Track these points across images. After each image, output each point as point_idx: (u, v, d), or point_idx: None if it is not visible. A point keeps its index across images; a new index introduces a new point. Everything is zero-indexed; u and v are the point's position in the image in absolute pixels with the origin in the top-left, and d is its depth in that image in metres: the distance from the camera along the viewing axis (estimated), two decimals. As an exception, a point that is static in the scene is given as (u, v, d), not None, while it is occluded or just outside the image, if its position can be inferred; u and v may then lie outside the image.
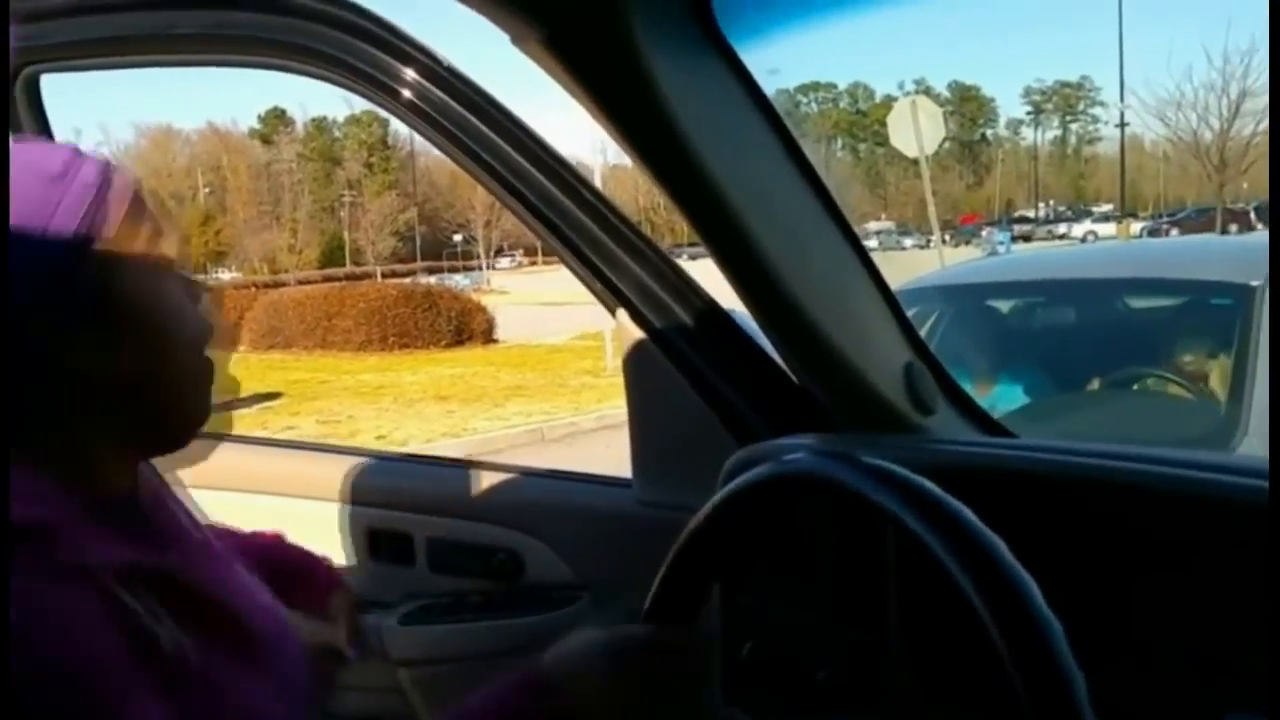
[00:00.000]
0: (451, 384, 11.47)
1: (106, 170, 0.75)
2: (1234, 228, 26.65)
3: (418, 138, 1.33)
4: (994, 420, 1.15)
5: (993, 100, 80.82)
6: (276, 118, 63.47)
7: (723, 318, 1.29)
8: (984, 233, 39.79)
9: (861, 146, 75.23)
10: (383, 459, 1.71)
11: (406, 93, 1.28)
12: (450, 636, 1.46)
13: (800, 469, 0.90)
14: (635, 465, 1.40)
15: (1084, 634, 0.70)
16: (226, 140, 60.40)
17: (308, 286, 20.76)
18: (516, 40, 0.90)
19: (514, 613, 1.44)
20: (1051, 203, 65.63)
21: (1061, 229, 43.87)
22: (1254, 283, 2.74)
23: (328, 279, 30.45)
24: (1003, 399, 2.99)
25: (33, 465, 0.72)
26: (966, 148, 74.85)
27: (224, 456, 1.56)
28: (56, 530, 0.70)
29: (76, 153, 0.75)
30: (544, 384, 10.87)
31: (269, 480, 1.59)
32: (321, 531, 1.54)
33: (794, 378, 1.18)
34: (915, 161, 10.71)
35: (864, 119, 74.57)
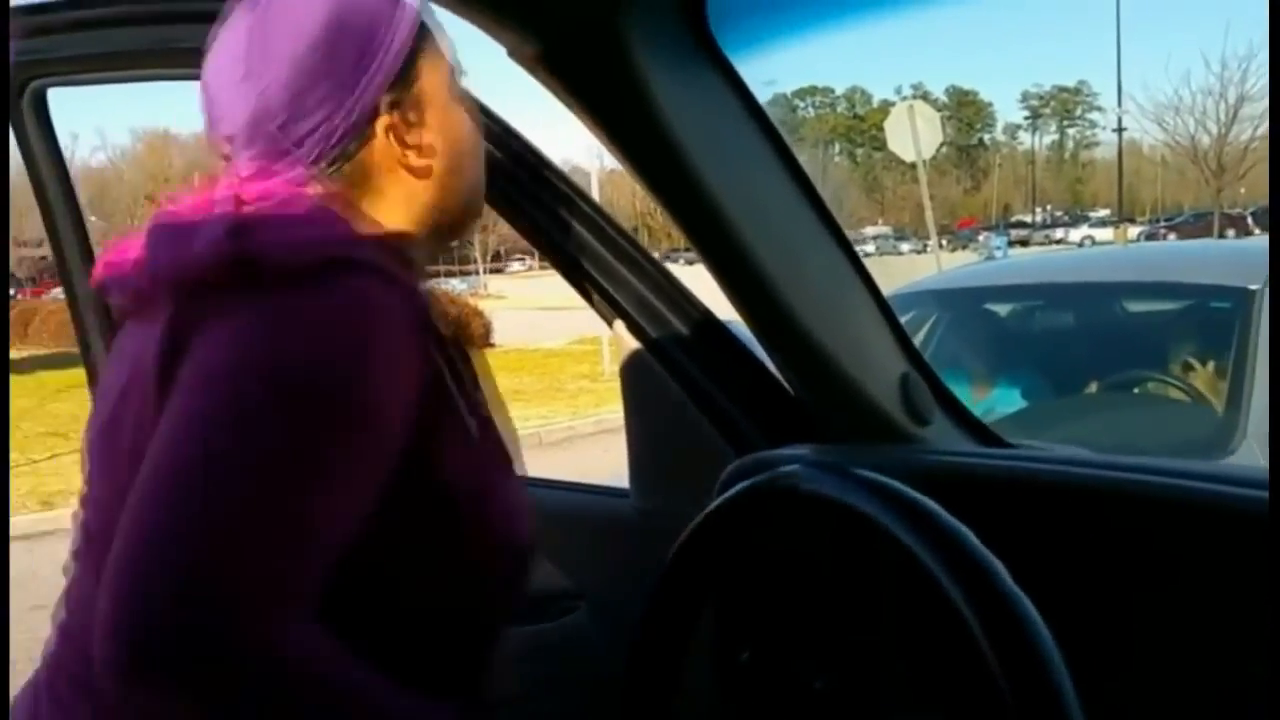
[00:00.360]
0: (449, 389, 11.43)
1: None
2: (1231, 232, 26.71)
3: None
4: (990, 430, 1.15)
5: (990, 105, 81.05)
6: (274, 123, 63.33)
7: (719, 328, 1.29)
8: (981, 237, 39.83)
9: (859, 151, 75.32)
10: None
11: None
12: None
13: (789, 483, 0.90)
14: (632, 475, 1.40)
15: (1080, 645, 0.70)
16: (224, 146, 60.23)
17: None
18: (513, 53, 0.90)
19: (511, 622, 1.44)
20: (1049, 207, 65.72)
21: (1059, 234, 43.88)
22: (1252, 286, 2.75)
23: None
24: (1000, 403, 2.99)
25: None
26: (964, 152, 74.98)
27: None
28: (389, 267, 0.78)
29: None
30: (541, 388, 10.87)
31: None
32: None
33: (790, 388, 1.18)
34: (912, 166, 10.73)
35: (861, 124, 74.66)
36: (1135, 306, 3.37)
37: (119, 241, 0.88)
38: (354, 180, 0.84)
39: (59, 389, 11.78)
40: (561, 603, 1.45)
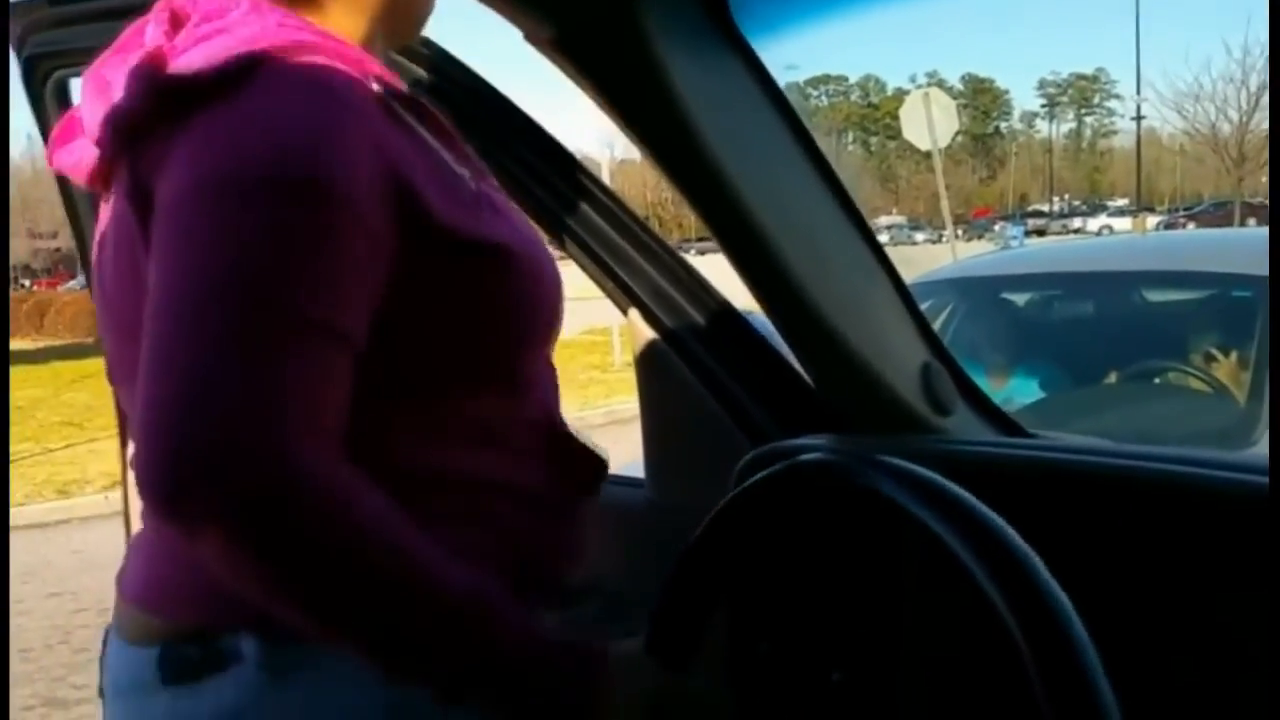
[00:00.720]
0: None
1: None
2: (1252, 221, 26.48)
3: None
4: (1012, 420, 1.14)
5: (1007, 93, 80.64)
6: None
7: (736, 318, 1.28)
8: (997, 227, 39.67)
9: (873, 140, 75.07)
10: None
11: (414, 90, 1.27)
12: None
13: (808, 472, 0.89)
14: (647, 465, 1.39)
15: (1104, 634, 0.69)
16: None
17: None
18: (529, 37, 0.89)
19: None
20: (1066, 197, 65.35)
21: (1076, 223, 43.63)
22: (1274, 275, 2.72)
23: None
24: (1018, 393, 2.97)
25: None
26: (980, 141, 74.62)
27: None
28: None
29: None
30: (554, 379, 10.86)
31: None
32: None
33: (808, 378, 1.17)
34: (927, 155, 10.68)
35: (875, 112, 74.40)
36: (1155, 296, 3.34)
37: (60, 125, 0.89)
38: None
39: (74, 379, 11.87)
40: (574, 593, 1.44)
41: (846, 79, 77.71)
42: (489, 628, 0.74)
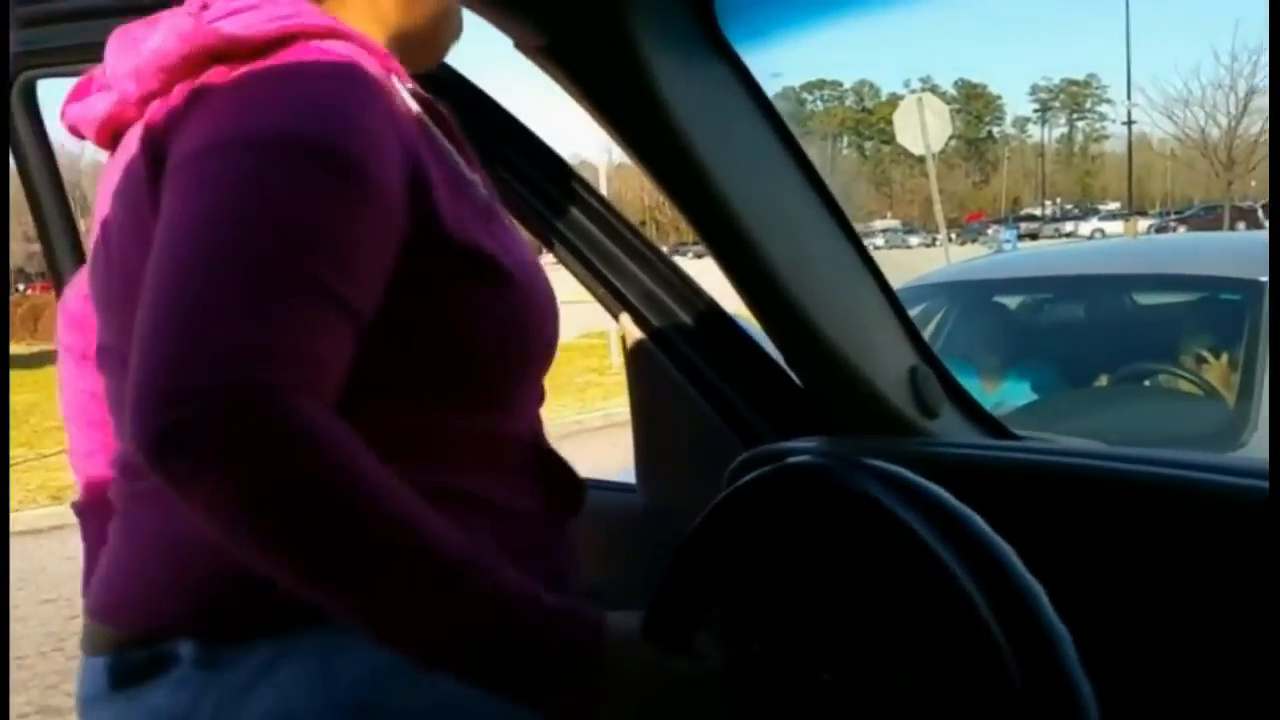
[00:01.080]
0: (458, 383, 11.44)
1: None
2: (1241, 225, 26.56)
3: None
4: (999, 423, 1.15)
5: (999, 98, 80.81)
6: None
7: (726, 321, 1.29)
8: (990, 230, 39.68)
9: (867, 144, 75.15)
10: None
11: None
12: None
13: (800, 473, 0.90)
14: (639, 469, 1.40)
15: (1088, 636, 0.70)
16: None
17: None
18: (520, 45, 0.90)
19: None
20: (1058, 200, 65.50)
21: (1068, 227, 43.69)
22: (1262, 278, 2.74)
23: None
24: (1010, 395, 2.98)
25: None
26: (973, 145, 74.75)
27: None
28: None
29: None
30: (548, 382, 10.84)
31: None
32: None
33: (798, 381, 1.18)
34: (921, 159, 10.71)
35: (869, 117, 74.49)
36: (1145, 299, 3.36)
37: (78, 84, 0.90)
38: None
39: (69, 384, 11.78)
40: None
41: (841, 84, 77.85)
42: (488, 589, 0.72)
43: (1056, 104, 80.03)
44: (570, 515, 0.94)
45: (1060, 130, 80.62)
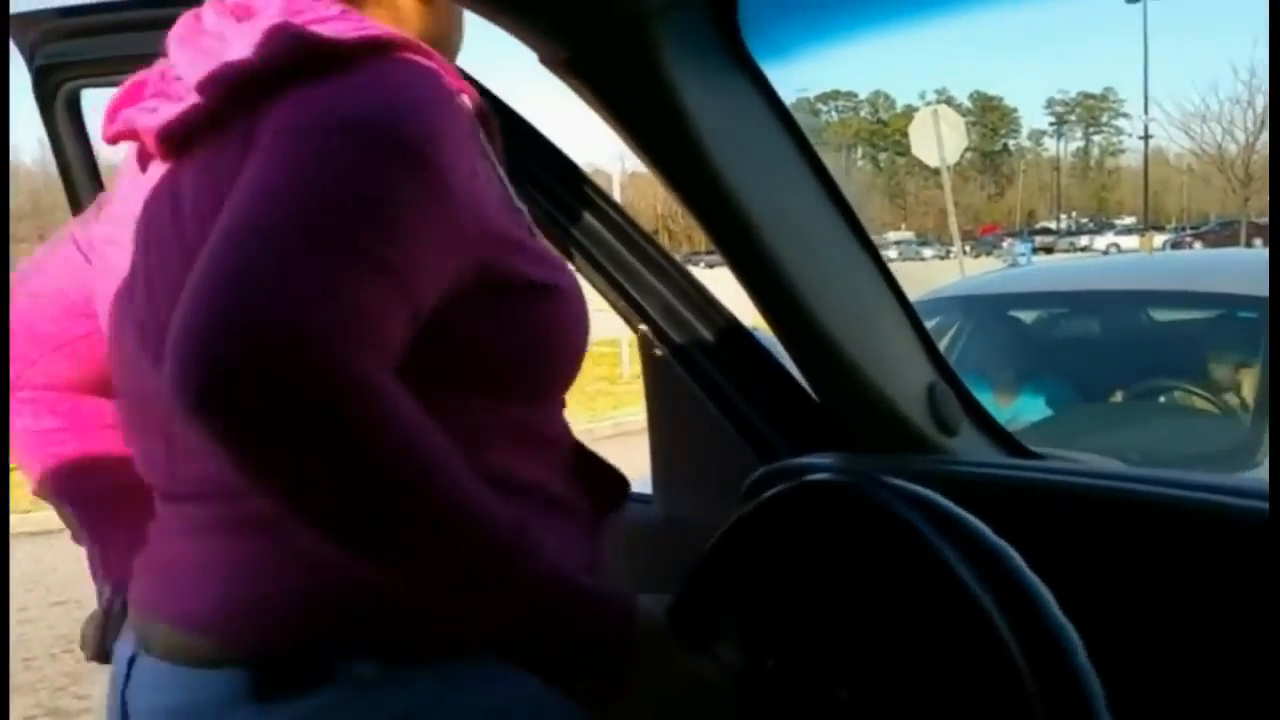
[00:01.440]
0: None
1: None
2: (1258, 241, 26.43)
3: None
4: (1018, 442, 1.14)
5: (1015, 111, 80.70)
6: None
7: (744, 335, 1.29)
8: (1005, 244, 39.61)
9: (882, 156, 75.11)
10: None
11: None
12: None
13: (818, 490, 0.89)
14: (655, 481, 1.40)
15: (1108, 658, 0.69)
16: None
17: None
18: (544, 60, 0.90)
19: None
20: (1074, 214, 65.32)
21: (1083, 241, 43.58)
22: (1279, 295, 2.72)
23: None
24: (1025, 411, 2.97)
25: None
26: (988, 158, 74.66)
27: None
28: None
29: None
30: (561, 391, 10.86)
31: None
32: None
33: (815, 396, 1.18)
34: (936, 171, 10.69)
35: (884, 128, 74.46)
36: (1161, 315, 3.34)
37: (125, 89, 0.89)
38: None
39: (84, 385, 11.84)
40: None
41: (856, 95, 77.86)
42: (531, 562, 0.72)
43: (1073, 117, 79.90)
44: (613, 511, 0.96)
45: (1076, 144, 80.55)
